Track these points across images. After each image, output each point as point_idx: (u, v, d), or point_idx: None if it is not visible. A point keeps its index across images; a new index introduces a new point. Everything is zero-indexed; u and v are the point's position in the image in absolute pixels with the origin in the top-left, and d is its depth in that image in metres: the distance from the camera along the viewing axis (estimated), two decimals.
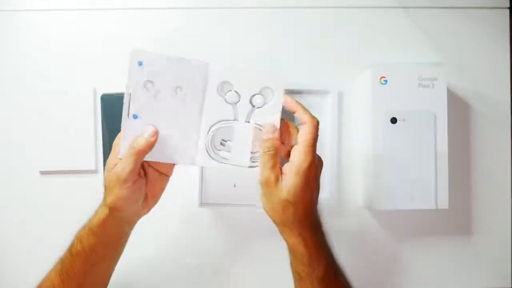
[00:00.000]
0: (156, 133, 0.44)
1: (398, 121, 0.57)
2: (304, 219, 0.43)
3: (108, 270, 0.50)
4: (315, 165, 0.42)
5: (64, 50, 0.63)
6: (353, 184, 0.63)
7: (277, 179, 0.42)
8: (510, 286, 0.63)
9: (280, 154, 0.44)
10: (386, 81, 0.58)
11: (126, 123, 0.44)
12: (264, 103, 0.46)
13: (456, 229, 0.63)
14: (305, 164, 0.42)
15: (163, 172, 0.47)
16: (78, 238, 0.47)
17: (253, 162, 0.46)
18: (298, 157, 0.42)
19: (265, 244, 0.62)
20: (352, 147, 0.63)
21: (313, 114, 0.44)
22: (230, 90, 0.46)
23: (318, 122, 0.44)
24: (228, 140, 0.46)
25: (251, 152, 0.46)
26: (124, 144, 0.44)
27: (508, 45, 0.64)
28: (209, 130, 0.46)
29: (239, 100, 0.46)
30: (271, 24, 0.64)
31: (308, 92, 0.62)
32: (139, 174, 0.44)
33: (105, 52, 0.63)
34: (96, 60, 0.63)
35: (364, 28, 0.64)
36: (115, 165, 0.44)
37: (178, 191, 0.62)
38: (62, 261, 0.48)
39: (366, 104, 0.59)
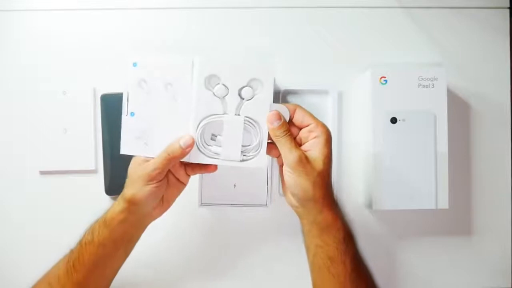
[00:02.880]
0: (192, 144, 0.45)
1: (398, 121, 0.57)
2: (332, 190, 0.45)
3: (113, 268, 0.50)
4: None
5: (64, 50, 0.63)
6: (353, 184, 0.63)
7: (305, 155, 0.44)
8: (510, 286, 0.63)
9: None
10: (386, 81, 0.58)
11: (124, 120, 0.47)
12: (254, 95, 0.45)
13: (456, 229, 0.63)
14: (329, 133, 0.44)
15: (181, 180, 0.49)
16: (91, 229, 0.48)
17: (244, 156, 0.46)
18: (320, 130, 0.44)
19: (265, 244, 0.62)
20: (352, 147, 0.63)
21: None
22: (218, 84, 0.45)
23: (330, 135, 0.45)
24: (218, 134, 0.46)
25: (242, 146, 0.46)
26: (124, 139, 0.47)
27: (508, 45, 0.64)
28: (198, 125, 0.46)
29: (227, 93, 0.45)
30: (271, 24, 0.64)
31: (308, 92, 0.62)
32: (164, 176, 0.46)
33: (105, 52, 0.63)
34: (96, 60, 0.63)
35: (364, 28, 0.64)
36: (146, 161, 0.46)
37: None
38: (71, 252, 0.48)
39: (366, 104, 0.59)
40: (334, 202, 0.45)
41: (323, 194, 0.44)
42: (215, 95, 0.45)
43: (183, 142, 0.45)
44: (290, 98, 0.63)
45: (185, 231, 0.63)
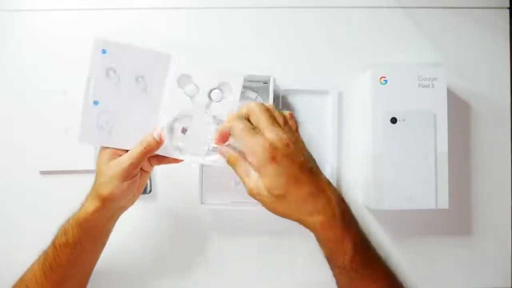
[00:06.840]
0: (163, 136, 0.46)
1: (398, 121, 0.57)
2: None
3: (91, 262, 0.50)
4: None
5: (64, 50, 0.63)
6: (353, 184, 0.63)
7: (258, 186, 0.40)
8: (510, 286, 0.63)
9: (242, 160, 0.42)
10: (386, 81, 0.58)
11: (86, 108, 0.46)
12: (222, 98, 0.47)
13: (456, 229, 0.63)
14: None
15: (145, 169, 0.49)
16: (63, 231, 0.47)
17: (210, 151, 0.47)
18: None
19: (265, 244, 0.62)
20: (352, 147, 0.63)
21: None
22: (190, 83, 0.47)
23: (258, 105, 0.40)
24: (188, 129, 0.48)
25: (213, 147, 0.46)
26: (83, 128, 0.46)
27: (508, 45, 0.64)
28: (167, 120, 0.47)
29: (197, 93, 0.47)
30: (271, 24, 0.64)
31: (308, 92, 0.62)
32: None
33: None
34: None
35: (364, 28, 0.64)
36: (114, 156, 0.45)
37: (178, 190, 0.62)
38: (45, 254, 0.48)
39: (366, 104, 0.59)
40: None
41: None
42: (186, 93, 0.47)
43: (156, 135, 0.45)
44: (290, 98, 0.63)
45: (185, 230, 0.63)
